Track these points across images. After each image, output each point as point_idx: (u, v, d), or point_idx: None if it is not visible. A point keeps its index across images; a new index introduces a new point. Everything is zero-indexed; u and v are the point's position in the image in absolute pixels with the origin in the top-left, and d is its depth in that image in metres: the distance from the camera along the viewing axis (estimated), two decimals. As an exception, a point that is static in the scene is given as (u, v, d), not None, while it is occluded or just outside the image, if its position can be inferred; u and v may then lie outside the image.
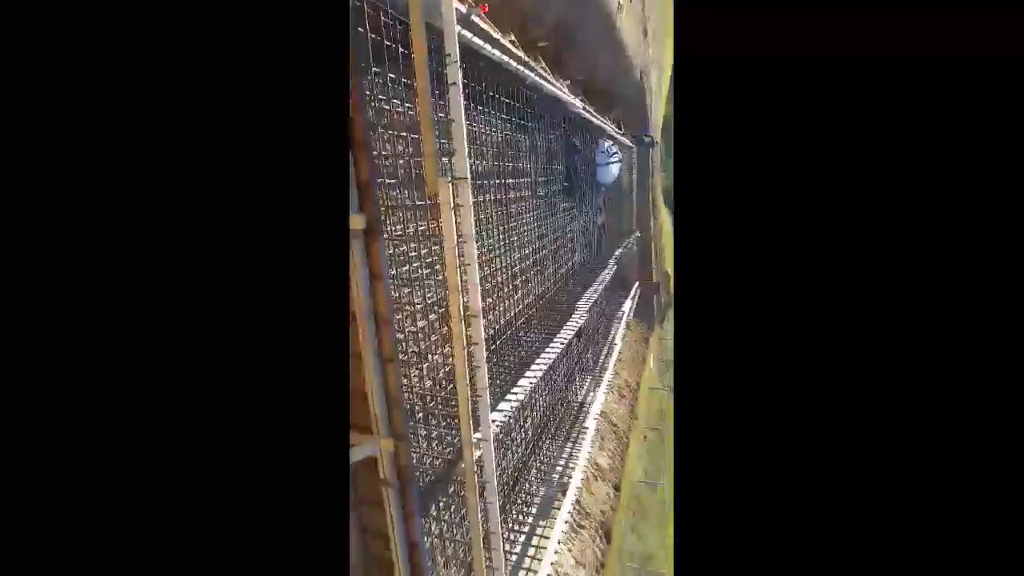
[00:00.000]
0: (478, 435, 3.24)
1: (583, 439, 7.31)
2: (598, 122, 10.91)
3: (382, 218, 2.85)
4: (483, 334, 3.07)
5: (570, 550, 7.41)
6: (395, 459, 2.96)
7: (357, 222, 2.62)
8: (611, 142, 12.20)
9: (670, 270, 28.01)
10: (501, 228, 5.88)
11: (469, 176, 2.80)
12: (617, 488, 9.84)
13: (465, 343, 2.96)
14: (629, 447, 11.60)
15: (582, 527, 8.05)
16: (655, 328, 20.61)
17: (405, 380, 3.39)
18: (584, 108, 9.12)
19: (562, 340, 6.25)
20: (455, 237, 2.88)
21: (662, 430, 15.05)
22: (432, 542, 3.65)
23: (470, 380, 3.05)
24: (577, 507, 8.22)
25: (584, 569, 7.52)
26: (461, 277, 2.95)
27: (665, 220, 29.51)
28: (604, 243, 12.42)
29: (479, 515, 3.30)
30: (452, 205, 2.84)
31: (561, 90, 7.66)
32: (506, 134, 6.21)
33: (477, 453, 3.22)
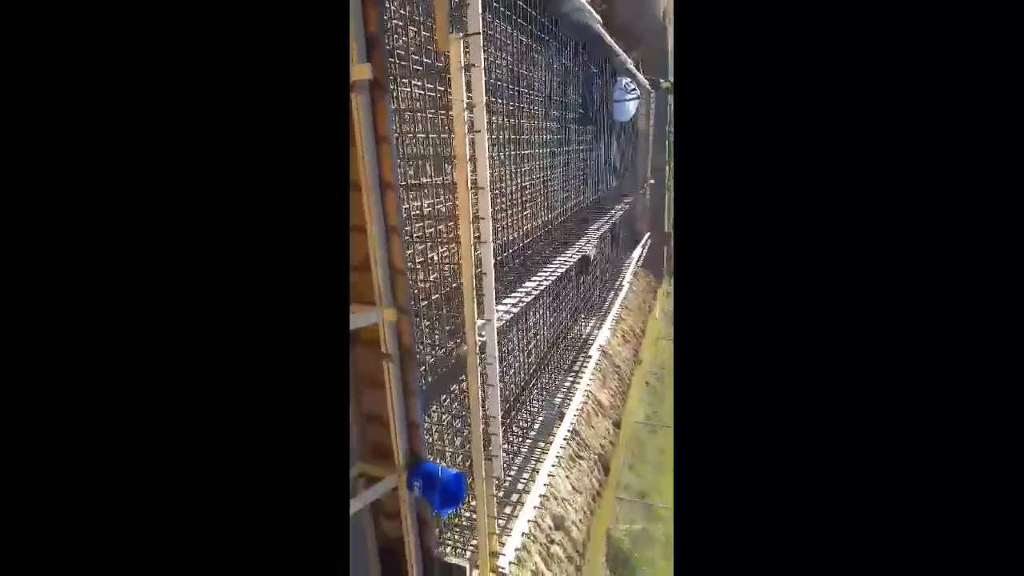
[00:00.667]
0: (481, 320, 3.19)
1: (585, 369, 7.34)
2: (619, 56, 10.42)
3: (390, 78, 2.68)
4: (490, 209, 2.96)
5: (567, 476, 7.58)
6: (397, 331, 2.92)
7: (362, 71, 2.46)
8: (629, 79, 11.69)
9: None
10: (511, 147, 5.68)
11: (482, 29, 2.61)
12: (617, 425, 9.99)
13: (470, 217, 2.85)
14: (631, 389, 11.71)
15: (581, 457, 8.21)
16: (663, 280, 20.48)
17: (410, 255, 3.32)
18: (606, 35, 8.67)
19: (567, 260, 6.15)
20: (464, 102, 2.72)
21: (663, 377, 15.18)
22: (432, 427, 3.68)
23: (475, 258, 2.96)
24: (576, 437, 8.36)
25: (581, 495, 7.71)
26: (469, 148, 2.81)
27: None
28: (617, 180, 12.12)
29: (479, 401, 3.28)
30: (462, 65, 2.67)
31: (585, 7, 7.25)
32: (521, 42, 5.89)
33: (481, 338, 3.18)
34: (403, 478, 3.09)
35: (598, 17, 8.08)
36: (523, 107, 5.98)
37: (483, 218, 2.93)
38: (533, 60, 6.33)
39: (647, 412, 12.95)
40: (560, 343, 7.78)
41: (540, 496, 4.54)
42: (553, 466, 5.36)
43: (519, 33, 5.68)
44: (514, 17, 5.35)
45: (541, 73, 6.68)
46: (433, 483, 2.94)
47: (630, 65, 11.56)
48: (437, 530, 3.55)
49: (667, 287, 21.10)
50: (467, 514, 3.89)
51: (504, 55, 5.50)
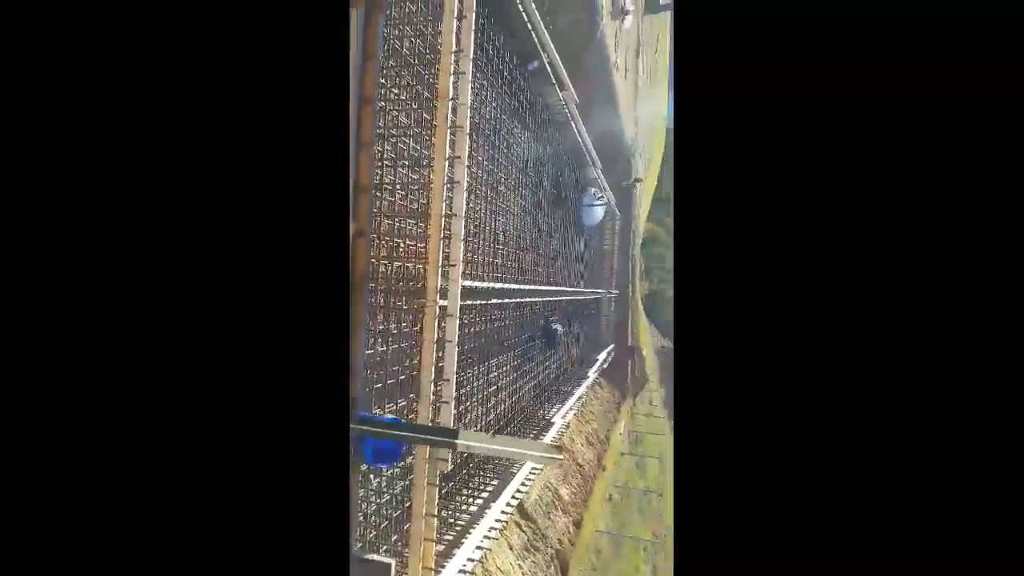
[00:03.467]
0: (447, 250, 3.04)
1: (546, 433, 6.82)
2: (588, 166, 11.56)
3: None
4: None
5: (520, 566, 6.59)
6: (352, 251, 2.72)
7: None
8: (597, 189, 12.83)
9: (645, 350, 28.16)
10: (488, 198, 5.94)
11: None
12: (578, 525, 9.00)
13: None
14: (594, 494, 10.81)
15: (536, 548, 7.23)
16: (627, 398, 20.16)
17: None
18: (583, 140, 9.70)
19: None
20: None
21: (627, 494, 14.15)
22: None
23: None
24: (532, 525, 7.45)
25: (534, 592, 6.63)
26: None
27: (644, 329, 30.48)
28: (584, 273, 12.55)
29: (431, 360, 2.98)
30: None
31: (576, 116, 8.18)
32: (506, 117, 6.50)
33: (441, 282, 3.00)
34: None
35: (582, 128, 9.13)
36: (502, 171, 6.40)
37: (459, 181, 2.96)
38: (517, 136, 6.96)
39: (608, 523, 11.79)
40: (520, 415, 7.34)
41: (491, 529, 3.90)
42: (498, 522, 4.68)
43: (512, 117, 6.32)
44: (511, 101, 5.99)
45: (523, 149, 7.30)
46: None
47: (600, 176, 12.77)
48: (361, 516, 2.93)
49: (629, 406, 20.74)
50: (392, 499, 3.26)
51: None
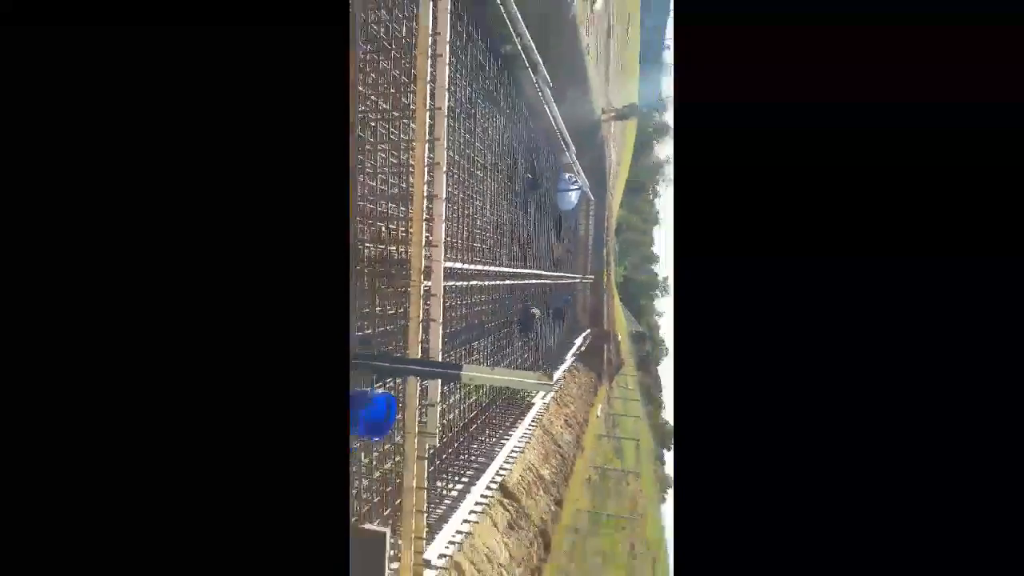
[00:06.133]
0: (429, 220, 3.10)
1: (527, 415, 6.98)
2: (564, 152, 11.64)
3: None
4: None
5: (505, 543, 6.76)
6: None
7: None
8: (572, 174, 12.94)
9: (620, 334, 28.61)
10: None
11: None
12: (559, 504, 9.24)
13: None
14: (573, 476, 11.07)
15: (520, 527, 7.42)
16: (604, 383, 20.55)
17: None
18: (557, 124, 9.74)
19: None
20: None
21: (605, 475, 14.51)
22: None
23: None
24: (515, 504, 7.62)
25: (520, 568, 6.82)
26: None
27: (618, 309, 30.81)
28: (560, 257, 12.68)
29: (417, 333, 3.06)
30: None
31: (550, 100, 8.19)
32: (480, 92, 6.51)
33: (424, 262, 3.07)
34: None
35: (554, 110, 9.16)
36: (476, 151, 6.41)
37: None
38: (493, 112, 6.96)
39: (589, 505, 12.11)
40: (501, 396, 7.46)
41: (477, 504, 4.02)
42: (483, 497, 4.81)
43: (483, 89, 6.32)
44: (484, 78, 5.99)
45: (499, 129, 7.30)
46: (360, 403, 2.59)
47: (574, 161, 12.87)
48: (354, 490, 3.02)
49: (606, 389, 21.14)
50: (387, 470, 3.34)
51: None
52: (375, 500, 3.27)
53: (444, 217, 3.26)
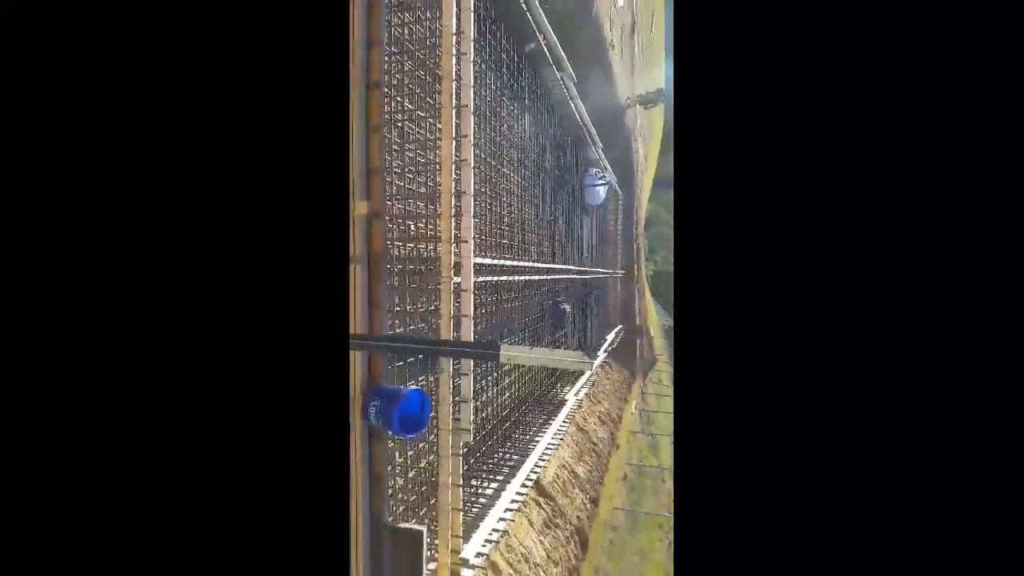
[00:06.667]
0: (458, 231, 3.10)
1: (560, 412, 6.92)
2: (591, 147, 11.52)
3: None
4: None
5: (541, 542, 6.73)
6: (367, 231, 2.79)
7: None
8: (599, 168, 12.80)
9: (652, 329, 28.17)
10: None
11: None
12: (595, 503, 9.14)
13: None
14: (608, 473, 10.94)
15: (556, 525, 7.37)
16: (637, 378, 20.26)
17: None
18: (583, 120, 9.65)
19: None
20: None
21: (641, 471, 14.28)
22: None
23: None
24: (551, 502, 7.58)
25: (557, 567, 6.78)
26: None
27: (649, 304, 30.25)
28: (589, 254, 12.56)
29: (450, 329, 3.06)
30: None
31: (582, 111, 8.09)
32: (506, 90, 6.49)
33: (454, 258, 3.07)
34: (358, 403, 2.73)
35: (583, 109, 9.09)
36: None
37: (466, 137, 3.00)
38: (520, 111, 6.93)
39: (626, 500, 11.95)
40: (533, 394, 7.43)
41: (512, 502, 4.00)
42: (519, 495, 4.79)
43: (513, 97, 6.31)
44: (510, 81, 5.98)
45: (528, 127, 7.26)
46: (393, 400, 2.60)
47: (602, 158, 12.74)
48: (389, 490, 3.04)
49: (639, 385, 20.84)
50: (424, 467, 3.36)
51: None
52: (411, 499, 3.29)
53: (472, 213, 3.26)
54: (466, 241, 3.16)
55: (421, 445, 3.46)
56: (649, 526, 13.29)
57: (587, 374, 9.97)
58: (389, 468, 3.14)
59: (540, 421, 7.14)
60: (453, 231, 3.23)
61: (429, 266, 3.77)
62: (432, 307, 3.46)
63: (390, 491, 2.98)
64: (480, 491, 4.49)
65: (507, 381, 6.36)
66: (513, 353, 2.12)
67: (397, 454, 3.41)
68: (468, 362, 3.21)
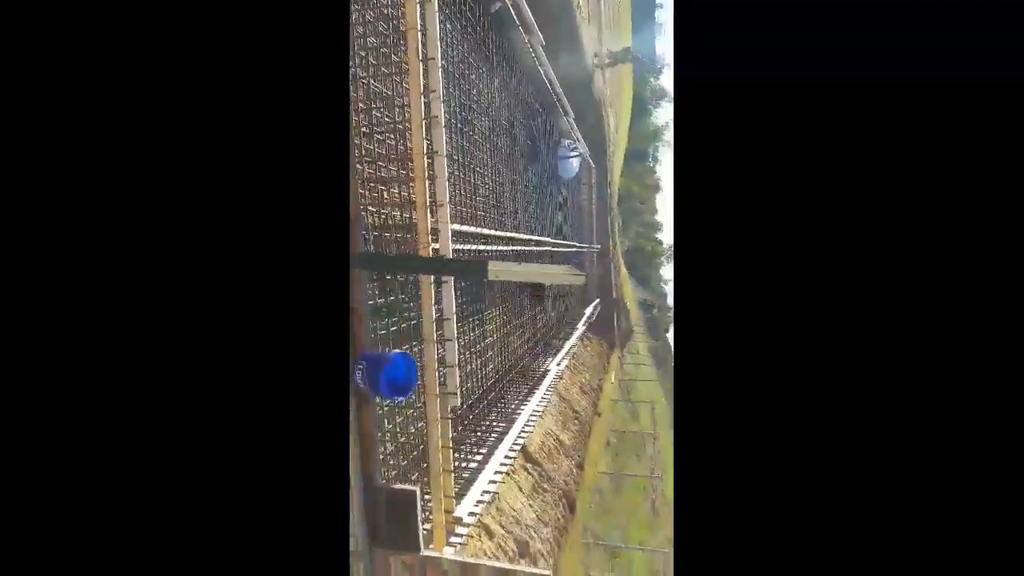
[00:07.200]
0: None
1: (544, 382, 6.99)
2: (563, 117, 11.40)
3: None
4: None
5: (531, 505, 6.86)
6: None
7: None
8: (572, 140, 12.71)
9: (628, 303, 28.64)
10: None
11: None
12: (580, 467, 9.35)
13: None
14: (591, 439, 11.18)
15: (544, 489, 7.51)
16: (615, 349, 20.62)
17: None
18: (553, 87, 9.50)
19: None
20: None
21: (623, 437, 14.67)
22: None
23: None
24: (539, 468, 7.72)
25: (546, 527, 6.93)
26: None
27: (626, 282, 30.71)
28: (564, 225, 12.58)
29: (431, 297, 3.01)
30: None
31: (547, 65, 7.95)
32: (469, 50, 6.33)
33: (431, 224, 3.00)
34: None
35: (555, 80, 8.93)
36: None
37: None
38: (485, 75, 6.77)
39: (611, 465, 12.27)
40: (516, 364, 7.48)
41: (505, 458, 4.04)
42: (511, 454, 4.84)
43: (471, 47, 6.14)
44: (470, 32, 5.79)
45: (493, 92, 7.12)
46: (379, 363, 2.56)
47: (573, 126, 12.63)
48: (381, 455, 3.02)
49: (618, 355, 21.23)
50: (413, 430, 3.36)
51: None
52: (402, 463, 3.28)
53: (446, 175, 3.18)
54: (442, 205, 3.09)
55: (410, 412, 3.44)
56: (634, 488, 13.72)
57: (567, 348, 10.08)
58: (379, 435, 3.12)
59: (523, 392, 7.21)
60: (428, 195, 3.15)
61: (404, 234, 3.69)
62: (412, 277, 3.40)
63: (381, 456, 2.96)
64: (469, 457, 4.53)
65: (489, 353, 6.37)
66: (500, 269, 2.08)
67: (386, 421, 3.38)
68: (451, 326, 3.17)
